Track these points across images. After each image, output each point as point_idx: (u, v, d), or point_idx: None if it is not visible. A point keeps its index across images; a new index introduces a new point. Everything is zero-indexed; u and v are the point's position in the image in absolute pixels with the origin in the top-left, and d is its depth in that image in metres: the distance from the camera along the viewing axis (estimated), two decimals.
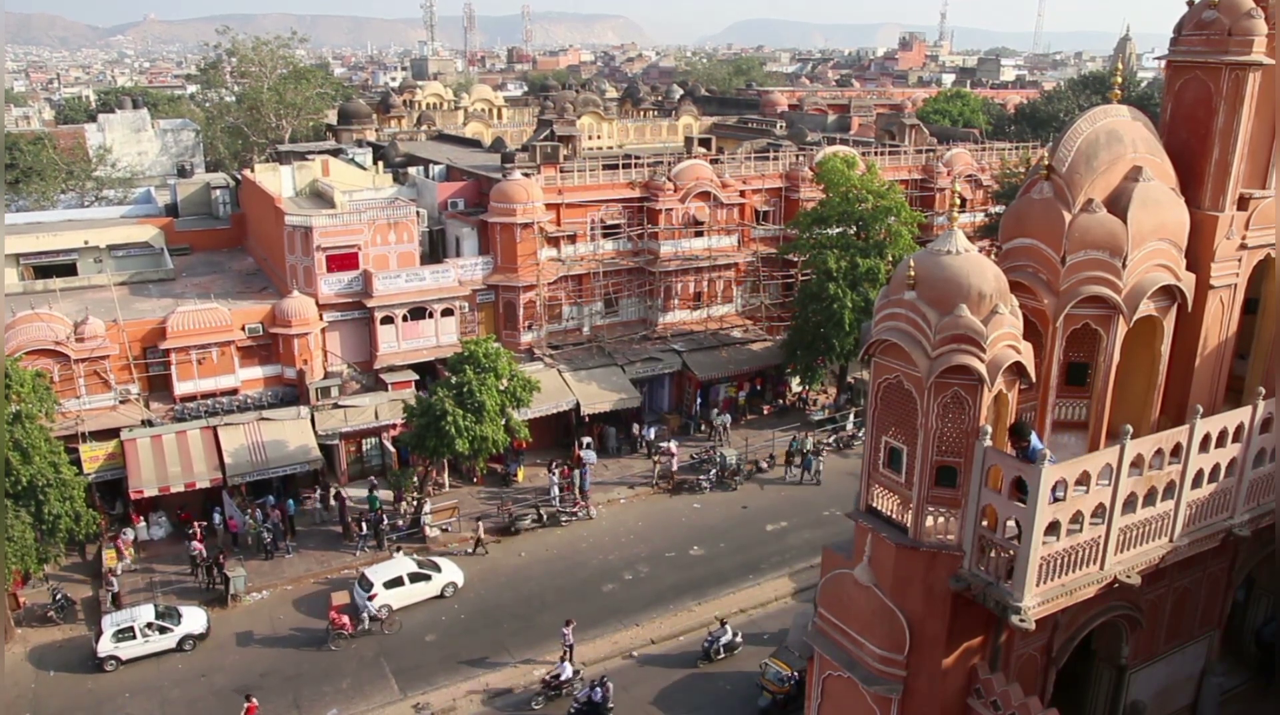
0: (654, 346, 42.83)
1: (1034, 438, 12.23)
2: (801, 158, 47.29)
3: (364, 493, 34.62)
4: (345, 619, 28.36)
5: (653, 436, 40.91)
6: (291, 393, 36.62)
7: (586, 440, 39.34)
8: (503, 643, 28.50)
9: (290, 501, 34.28)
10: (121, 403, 34.22)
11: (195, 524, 32.47)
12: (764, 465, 39.35)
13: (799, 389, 45.57)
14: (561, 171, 42.24)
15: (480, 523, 33.54)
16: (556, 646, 27.81)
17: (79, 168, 57.44)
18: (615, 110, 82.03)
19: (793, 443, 40.19)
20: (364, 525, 33.34)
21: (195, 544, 31.43)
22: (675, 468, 38.02)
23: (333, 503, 34.76)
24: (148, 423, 33.75)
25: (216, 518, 33.47)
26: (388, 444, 36.85)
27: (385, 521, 33.60)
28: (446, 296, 38.11)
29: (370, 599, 28.93)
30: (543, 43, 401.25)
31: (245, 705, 24.30)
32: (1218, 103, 13.37)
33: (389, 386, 37.06)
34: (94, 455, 32.45)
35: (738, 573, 32.17)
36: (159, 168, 67.59)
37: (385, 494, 35.09)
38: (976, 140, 58.71)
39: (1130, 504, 12.48)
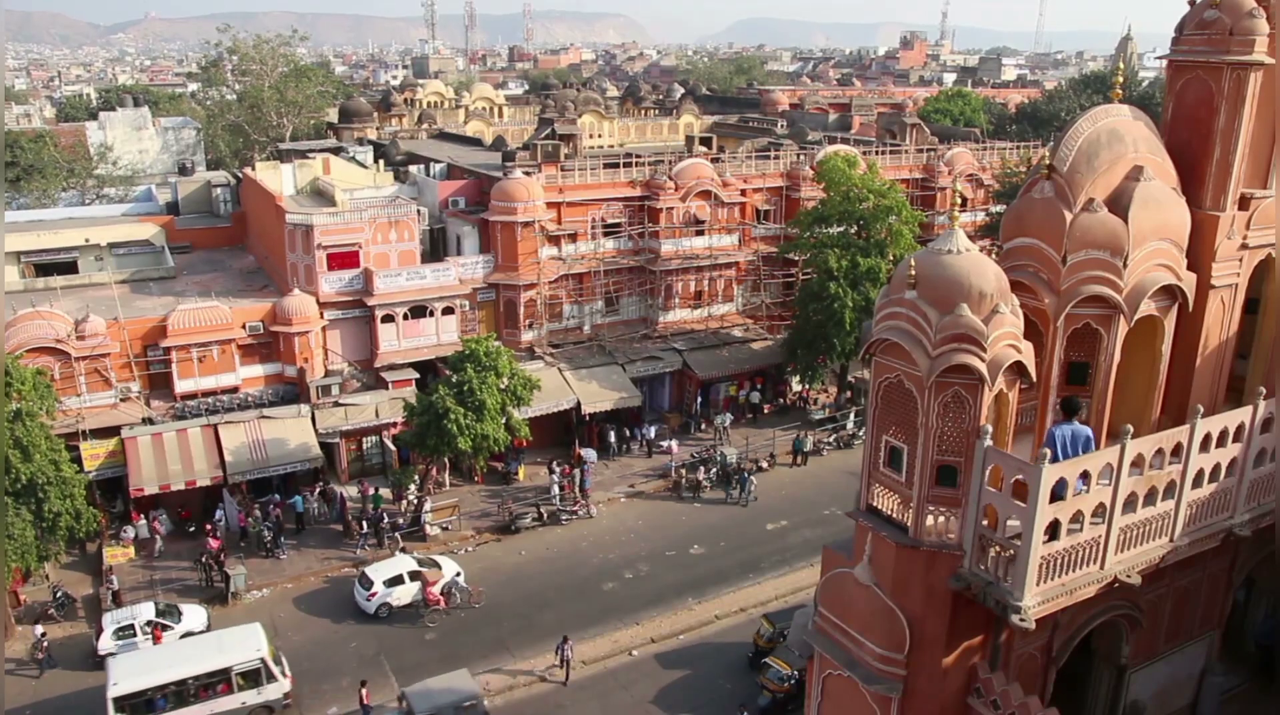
0: (654, 345, 42.83)
1: (1076, 426, 12.31)
2: (802, 157, 47.28)
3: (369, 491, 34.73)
4: (440, 597, 29.24)
5: (653, 435, 40.92)
6: (292, 391, 36.62)
7: (612, 434, 40.08)
8: (503, 641, 28.52)
9: (297, 499, 34.29)
10: (122, 401, 34.25)
11: (211, 525, 32.68)
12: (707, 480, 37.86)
13: (799, 388, 45.57)
14: (562, 170, 42.23)
15: (397, 534, 33.12)
16: (555, 645, 27.87)
17: (80, 166, 57.48)
18: (616, 109, 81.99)
19: (796, 442, 40.28)
20: (364, 523, 33.37)
21: (210, 540, 31.50)
22: (704, 481, 37.56)
23: (338, 498, 34.75)
24: (148, 421, 33.77)
25: (219, 515, 33.48)
26: (388, 442, 36.86)
27: (385, 520, 33.62)
28: (447, 295, 38.11)
29: (457, 575, 30.06)
30: (544, 41, 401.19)
31: (361, 691, 25.09)
32: (1219, 102, 13.34)
33: (389, 385, 37.07)
34: (94, 453, 32.49)
35: (738, 571, 32.20)
36: (160, 166, 67.61)
37: (384, 491, 35.12)
38: (977, 139, 58.68)
39: (1130, 504, 12.48)
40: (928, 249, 12.34)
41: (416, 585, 29.94)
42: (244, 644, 25.39)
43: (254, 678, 24.92)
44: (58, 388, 31.13)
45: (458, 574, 30.43)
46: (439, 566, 30.83)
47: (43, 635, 27.28)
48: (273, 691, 25.16)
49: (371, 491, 34.79)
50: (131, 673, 24.12)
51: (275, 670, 25.23)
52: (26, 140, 59.71)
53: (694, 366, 42.28)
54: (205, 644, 25.87)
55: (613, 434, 40.70)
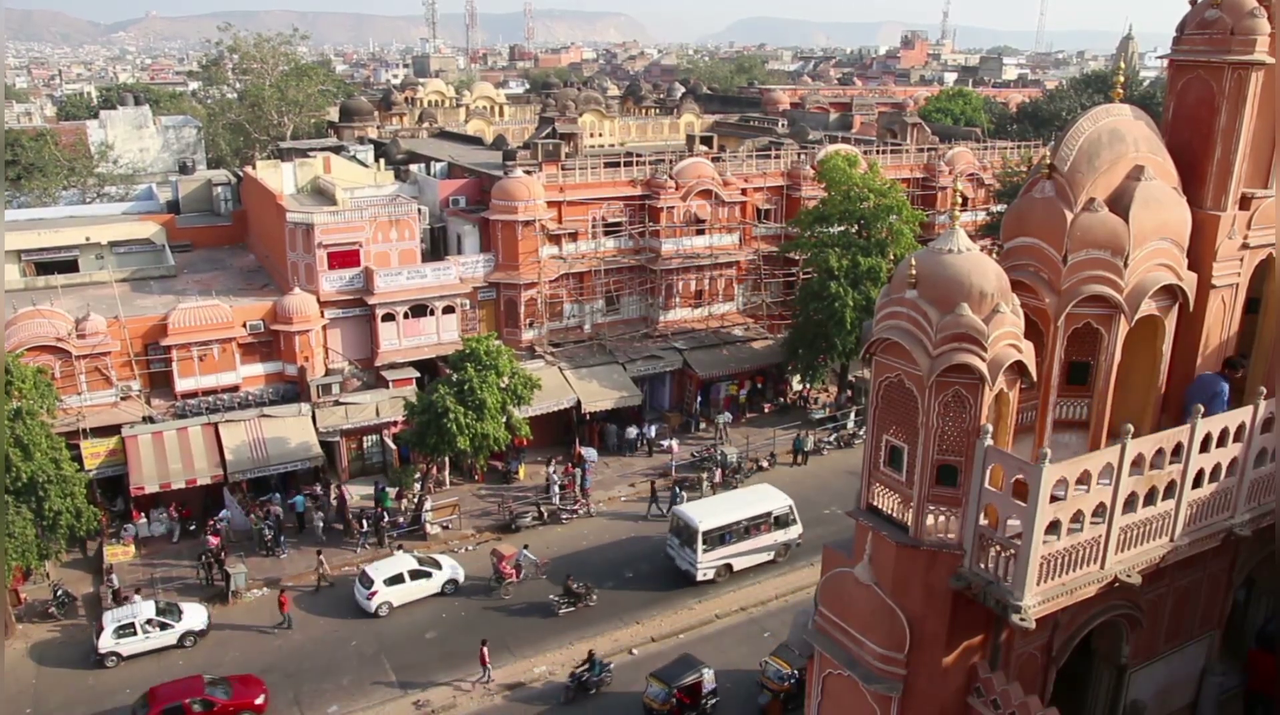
0: (655, 344, 42.82)
1: (1219, 378, 12.47)
2: (803, 156, 47.25)
3: (369, 490, 34.79)
4: (512, 569, 30.53)
5: (653, 435, 40.91)
6: (292, 390, 36.62)
7: (631, 431, 40.40)
8: (503, 640, 28.50)
9: (300, 498, 34.26)
10: (123, 399, 34.24)
11: (213, 522, 32.74)
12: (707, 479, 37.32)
13: (800, 387, 45.57)
14: (563, 169, 42.22)
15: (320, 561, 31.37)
16: (557, 644, 27.83)
17: (80, 164, 57.52)
18: (617, 108, 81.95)
19: (796, 441, 40.25)
20: (364, 522, 33.39)
21: (210, 538, 31.54)
22: (719, 479, 37.30)
23: (333, 501, 34.77)
24: (149, 419, 33.78)
25: (225, 513, 33.50)
26: (389, 441, 36.85)
27: (386, 518, 33.63)
28: (448, 294, 38.11)
29: (525, 547, 31.57)
30: (544, 40, 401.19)
31: (482, 650, 26.37)
32: (1220, 102, 13.35)
33: (390, 384, 37.06)
34: (95, 451, 32.50)
35: (738, 571, 32.15)
36: (160, 164, 67.65)
37: (365, 490, 35.17)
38: (978, 139, 58.64)
39: (1131, 503, 12.49)
40: (928, 248, 12.35)
41: (418, 583, 30.06)
42: (775, 497, 32.53)
43: (783, 521, 32.06)
44: (58, 386, 31.12)
45: (525, 546, 31.68)
46: (439, 565, 30.88)
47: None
48: (793, 533, 32.26)
49: (381, 489, 34.90)
50: (708, 515, 31.00)
51: (796, 516, 32.00)
52: (27, 139, 59.77)
53: (694, 366, 42.28)
54: (750, 496, 33.19)
55: (631, 431, 40.63)
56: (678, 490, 35.85)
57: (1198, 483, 13.09)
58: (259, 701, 25.10)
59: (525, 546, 31.63)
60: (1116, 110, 13.28)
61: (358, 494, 34.97)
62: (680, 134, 69.12)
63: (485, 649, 26.49)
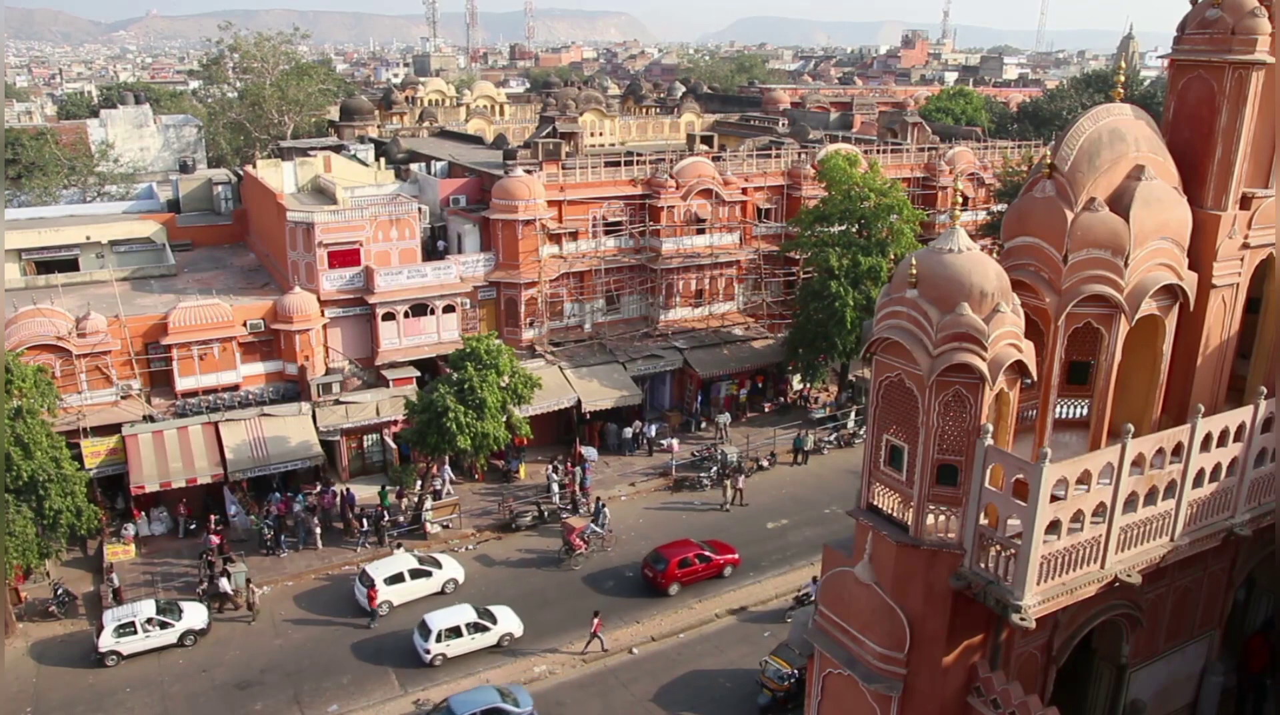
0: (655, 344, 42.81)
1: None
2: (804, 155, 47.22)
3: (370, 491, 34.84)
4: (582, 541, 31.99)
5: (653, 434, 40.91)
6: (293, 389, 36.61)
7: (628, 431, 40.51)
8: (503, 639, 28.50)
9: (300, 497, 34.26)
10: (123, 398, 34.25)
11: (224, 520, 32.91)
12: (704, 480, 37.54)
13: (800, 387, 45.56)
14: (563, 168, 42.20)
15: (253, 586, 30.03)
16: (556, 643, 27.85)
17: (81, 163, 57.54)
18: (617, 107, 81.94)
19: (796, 440, 40.24)
20: (364, 521, 33.39)
21: (212, 537, 31.54)
22: (741, 485, 36.67)
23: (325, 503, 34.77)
24: (149, 418, 33.78)
25: (233, 510, 33.48)
26: (389, 440, 36.85)
27: (386, 517, 33.64)
28: (448, 293, 38.10)
29: (591, 520, 33.13)
30: (545, 39, 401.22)
31: (594, 621, 27.71)
32: (1221, 101, 13.35)
33: (390, 383, 37.06)
34: (95, 450, 32.50)
35: (738, 570, 32.17)
36: (161, 163, 67.67)
37: (366, 492, 35.19)
38: (979, 138, 58.61)
39: (1131, 503, 12.49)
40: (929, 248, 12.35)
41: (418, 583, 30.06)
42: None
43: None
44: (59, 385, 31.11)
45: (592, 519, 33.28)
46: (440, 565, 30.88)
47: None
48: None
49: (382, 488, 35.01)
50: None
51: None
52: (28, 138, 59.81)
53: (695, 365, 42.27)
54: None
55: (628, 431, 40.58)
56: (600, 503, 34.57)
57: (1198, 482, 13.10)
58: (735, 556, 31.79)
59: (592, 518, 33.10)
60: (1117, 110, 13.28)
61: (361, 496, 34.95)
62: (680, 133, 69.11)
63: (599, 619, 27.63)
